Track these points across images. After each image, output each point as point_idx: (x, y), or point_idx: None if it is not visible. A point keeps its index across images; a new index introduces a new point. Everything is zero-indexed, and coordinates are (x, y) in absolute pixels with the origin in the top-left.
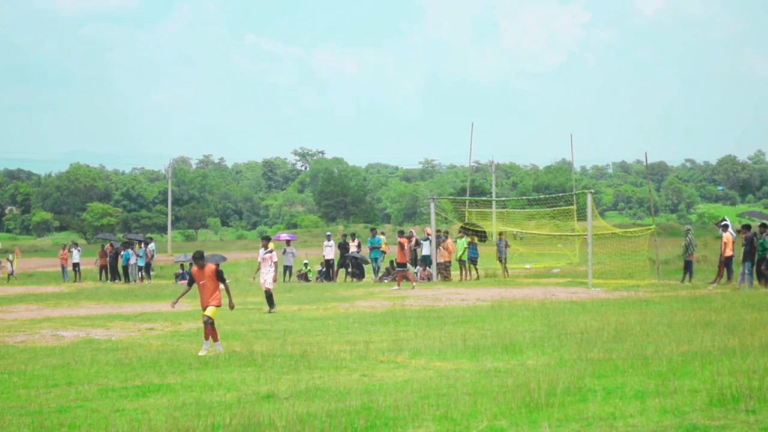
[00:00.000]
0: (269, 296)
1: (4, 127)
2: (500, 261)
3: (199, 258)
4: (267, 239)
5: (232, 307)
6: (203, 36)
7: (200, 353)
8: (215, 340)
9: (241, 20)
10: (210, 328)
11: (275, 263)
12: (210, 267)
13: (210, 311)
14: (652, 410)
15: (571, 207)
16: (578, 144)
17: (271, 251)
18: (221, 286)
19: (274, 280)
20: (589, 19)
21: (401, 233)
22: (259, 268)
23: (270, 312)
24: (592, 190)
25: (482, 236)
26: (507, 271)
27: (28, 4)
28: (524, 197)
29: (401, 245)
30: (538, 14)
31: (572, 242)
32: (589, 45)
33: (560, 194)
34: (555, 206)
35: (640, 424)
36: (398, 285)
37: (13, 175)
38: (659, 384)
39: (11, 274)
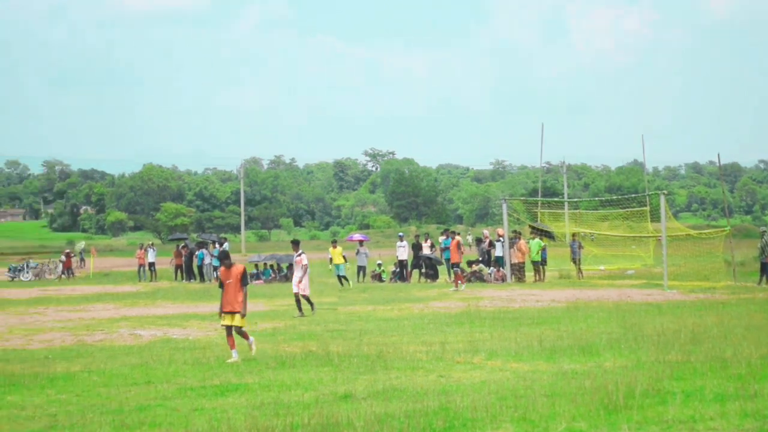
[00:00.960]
0: (298, 300)
1: (78, 128)
2: (574, 262)
3: (224, 258)
4: (296, 243)
5: (242, 315)
6: (273, 36)
7: (229, 360)
8: (232, 347)
9: (311, 20)
10: (231, 338)
11: (305, 266)
12: (237, 268)
13: (239, 320)
14: (732, 413)
15: (644, 208)
16: (650, 144)
17: (300, 254)
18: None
19: (302, 284)
20: (660, 19)
21: (454, 233)
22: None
23: (298, 316)
24: (665, 191)
25: (550, 236)
26: (581, 273)
27: (99, 6)
28: (597, 198)
29: (457, 245)
30: (608, 14)
31: (646, 243)
32: (660, 44)
33: (633, 195)
34: (628, 207)
35: (720, 428)
36: (457, 285)
37: (88, 176)
38: (739, 387)
39: (63, 274)
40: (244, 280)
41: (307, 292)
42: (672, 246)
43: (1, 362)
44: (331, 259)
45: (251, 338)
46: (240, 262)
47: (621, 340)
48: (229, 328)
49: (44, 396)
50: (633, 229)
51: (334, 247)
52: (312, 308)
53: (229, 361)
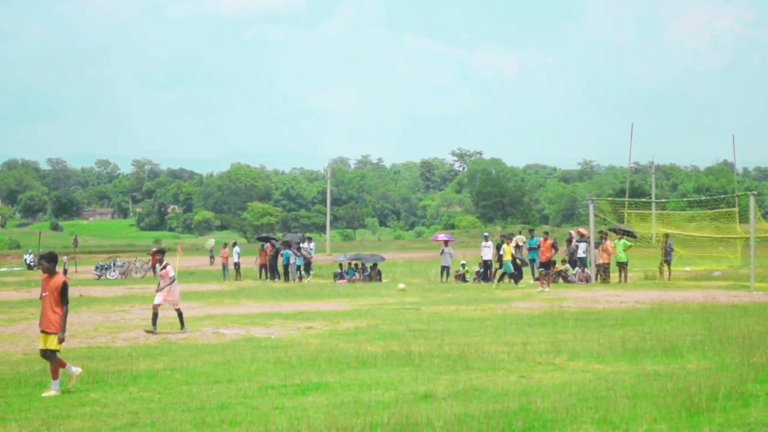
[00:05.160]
0: (155, 314)
1: (168, 128)
2: (667, 263)
3: (47, 260)
4: (160, 252)
5: (60, 340)
6: (363, 36)
7: (45, 394)
8: (62, 366)
9: (401, 20)
10: (54, 364)
11: (172, 278)
12: (58, 278)
13: (53, 343)
14: None
15: (732, 209)
16: (740, 145)
17: (165, 266)
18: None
19: (172, 297)
20: (756, 18)
21: (546, 234)
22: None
23: (148, 332)
24: (755, 192)
25: (632, 236)
26: (670, 274)
27: (193, 6)
28: (685, 199)
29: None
30: (703, 13)
31: (734, 245)
32: (756, 44)
33: (722, 196)
34: (716, 208)
35: None
36: (542, 286)
37: (176, 175)
38: None
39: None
40: (63, 296)
41: (179, 306)
42: (760, 247)
43: (86, 359)
44: (501, 256)
45: (73, 369)
46: (324, 261)
47: (705, 342)
48: (44, 352)
49: (127, 393)
50: (721, 230)
51: (508, 243)
52: (182, 325)
53: (44, 394)
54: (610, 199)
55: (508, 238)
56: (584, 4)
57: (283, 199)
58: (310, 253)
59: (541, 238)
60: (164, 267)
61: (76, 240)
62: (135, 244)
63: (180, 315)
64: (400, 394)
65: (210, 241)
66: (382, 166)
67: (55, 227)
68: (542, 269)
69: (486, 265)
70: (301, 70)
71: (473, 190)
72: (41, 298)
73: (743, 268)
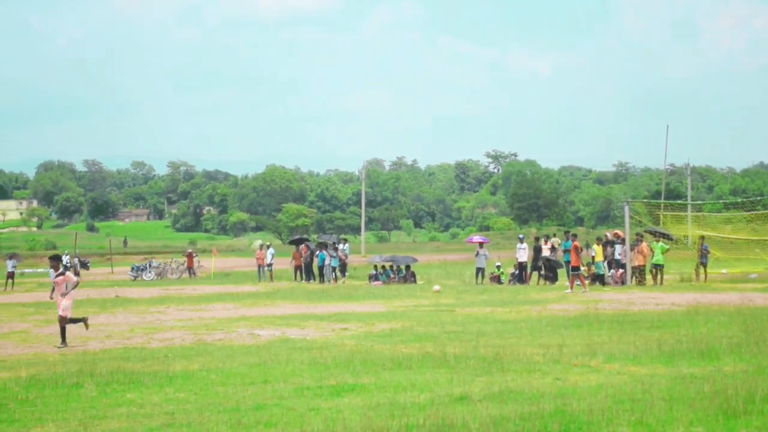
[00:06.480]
0: (63, 327)
1: (203, 129)
2: (704, 265)
3: None
4: (57, 259)
5: None
6: (399, 38)
7: None
8: None
9: (438, 22)
10: None
11: (75, 283)
12: None
13: None
14: None
15: None
16: None
17: (61, 273)
18: None
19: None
20: None
21: (574, 236)
22: (54, 289)
23: (59, 347)
24: None
25: (668, 239)
26: (706, 276)
27: (229, 8)
28: (720, 201)
29: (576, 248)
30: (739, 13)
31: None
32: None
33: (758, 198)
34: (752, 210)
35: None
36: (571, 288)
37: (211, 176)
38: None
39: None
40: None
41: (68, 314)
42: None
43: (122, 360)
44: (593, 257)
45: None
46: (360, 263)
47: (742, 345)
48: None
49: (163, 394)
50: (757, 233)
51: (599, 244)
52: (63, 340)
53: None
54: (645, 201)
55: (544, 238)
56: (619, 6)
57: (318, 200)
58: (345, 255)
59: (568, 240)
60: (60, 274)
61: (125, 241)
62: (170, 245)
63: (65, 327)
64: (436, 396)
65: (257, 242)
66: (416, 167)
67: (91, 228)
68: (574, 271)
69: (521, 266)
70: (336, 71)
71: (508, 192)
72: None
73: None
